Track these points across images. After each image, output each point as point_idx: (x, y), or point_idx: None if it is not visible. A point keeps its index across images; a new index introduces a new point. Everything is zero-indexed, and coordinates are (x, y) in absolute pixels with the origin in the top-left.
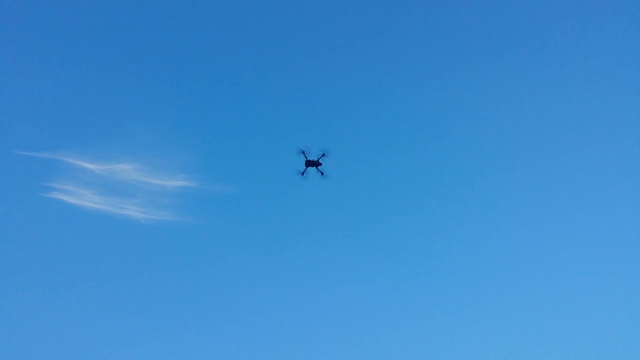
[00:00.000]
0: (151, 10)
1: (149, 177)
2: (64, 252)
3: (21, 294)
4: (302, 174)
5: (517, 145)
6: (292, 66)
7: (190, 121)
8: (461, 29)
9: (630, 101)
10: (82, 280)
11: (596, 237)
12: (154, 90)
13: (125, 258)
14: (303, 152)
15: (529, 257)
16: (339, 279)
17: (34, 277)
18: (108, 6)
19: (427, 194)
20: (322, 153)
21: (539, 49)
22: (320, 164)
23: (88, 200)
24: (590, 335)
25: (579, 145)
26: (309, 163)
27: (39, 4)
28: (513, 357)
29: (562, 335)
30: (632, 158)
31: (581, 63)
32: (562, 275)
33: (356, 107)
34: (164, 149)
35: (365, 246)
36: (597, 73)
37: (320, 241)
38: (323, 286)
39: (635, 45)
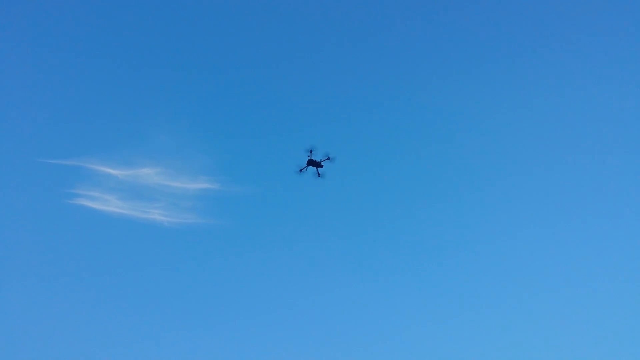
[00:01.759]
0: (170, 17)
1: (171, 181)
2: (90, 258)
3: (51, 300)
4: (301, 170)
5: (519, 147)
6: (311, 69)
7: (210, 124)
8: (466, 29)
9: (632, 102)
10: (110, 284)
11: (599, 238)
12: (173, 95)
13: (150, 261)
14: (310, 151)
15: (530, 259)
16: (361, 276)
17: (63, 282)
18: (127, 13)
19: (443, 194)
20: (327, 157)
21: (542, 50)
22: (322, 166)
23: (112, 205)
24: (592, 337)
25: (580, 146)
26: (311, 162)
27: (59, 14)
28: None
29: (564, 337)
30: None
31: (584, 64)
32: (564, 277)
33: (376, 110)
34: (185, 152)
35: (386, 244)
36: (600, 74)
37: (342, 240)
38: (345, 284)
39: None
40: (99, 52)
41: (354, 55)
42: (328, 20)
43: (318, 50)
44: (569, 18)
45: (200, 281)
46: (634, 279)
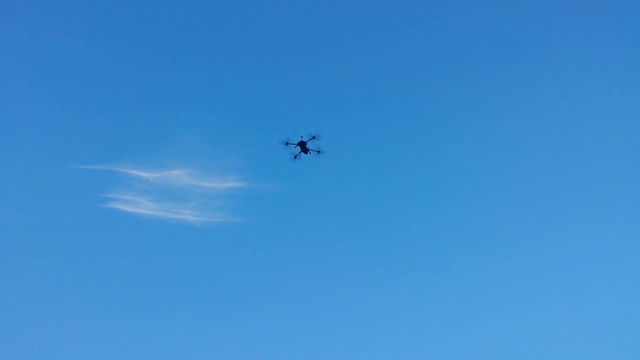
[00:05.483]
0: (198, 17)
1: (201, 181)
2: (125, 260)
3: (86, 301)
4: (287, 144)
5: (520, 149)
6: (339, 67)
7: (237, 123)
8: (467, 29)
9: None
10: (144, 285)
11: (601, 240)
12: (200, 96)
13: (183, 261)
14: (313, 137)
15: (530, 260)
16: (395, 270)
17: (98, 285)
18: (154, 14)
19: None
20: (318, 149)
21: (543, 51)
22: (309, 153)
23: (144, 207)
24: (594, 339)
25: (582, 148)
26: (301, 144)
27: (86, 19)
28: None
29: (565, 339)
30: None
31: (585, 65)
32: (566, 279)
33: (408, 109)
34: (213, 152)
35: (423, 240)
36: (601, 75)
37: (374, 237)
38: (378, 281)
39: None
40: (125, 57)
41: (386, 52)
42: (356, 19)
43: (349, 47)
44: (569, 18)
45: (232, 279)
46: (636, 282)
